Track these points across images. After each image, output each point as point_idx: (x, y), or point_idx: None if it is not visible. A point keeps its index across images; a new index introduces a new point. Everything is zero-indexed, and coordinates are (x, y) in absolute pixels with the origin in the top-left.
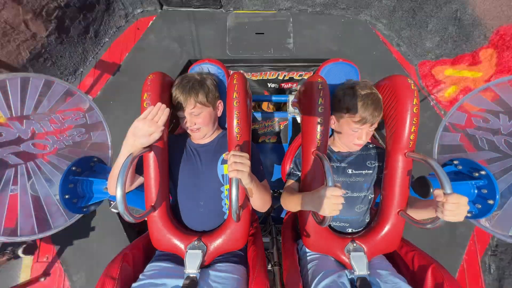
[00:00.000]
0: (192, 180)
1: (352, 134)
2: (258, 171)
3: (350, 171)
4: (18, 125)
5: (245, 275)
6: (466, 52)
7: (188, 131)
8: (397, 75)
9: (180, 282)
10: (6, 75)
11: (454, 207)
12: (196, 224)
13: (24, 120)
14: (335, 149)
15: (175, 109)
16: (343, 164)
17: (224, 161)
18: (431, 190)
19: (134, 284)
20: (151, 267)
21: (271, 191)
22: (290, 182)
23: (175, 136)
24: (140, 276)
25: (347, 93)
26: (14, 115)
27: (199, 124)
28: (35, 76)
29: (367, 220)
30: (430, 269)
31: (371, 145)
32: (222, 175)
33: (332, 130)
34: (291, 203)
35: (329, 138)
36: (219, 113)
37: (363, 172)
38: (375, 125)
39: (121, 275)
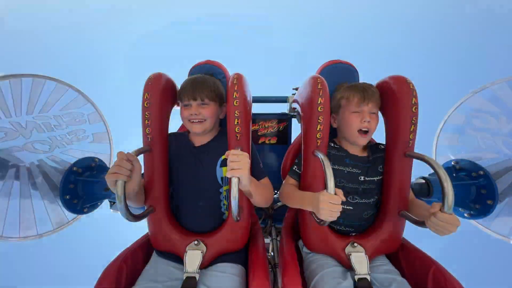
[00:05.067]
0: (191, 180)
1: (354, 120)
2: (258, 169)
3: (362, 178)
4: (19, 126)
5: (244, 275)
6: None
7: (188, 123)
8: (396, 75)
9: (180, 282)
10: (8, 76)
11: (444, 225)
12: (195, 225)
13: (26, 120)
14: (348, 151)
15: (182, 98)
16: (355, 170)
17: (223, 163)
18: (431, 192)
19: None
20: (151, 267)
21: (273, 192)
22: (291, 180)
23: (175, 135)
24: (141, 275)
25: (342, 86)
26: (16, 115)
27: (204, 115)
28: (37, 77)
29: (371, 223)
30: (431, 270)
31: (382, 146)
32: (221, 178)
33: (337, 132)
34: (291, 199)
35: (336, 139)
36: (222, 115)
37: (375, 179)
38: (375, 107)
39: (119, 276)
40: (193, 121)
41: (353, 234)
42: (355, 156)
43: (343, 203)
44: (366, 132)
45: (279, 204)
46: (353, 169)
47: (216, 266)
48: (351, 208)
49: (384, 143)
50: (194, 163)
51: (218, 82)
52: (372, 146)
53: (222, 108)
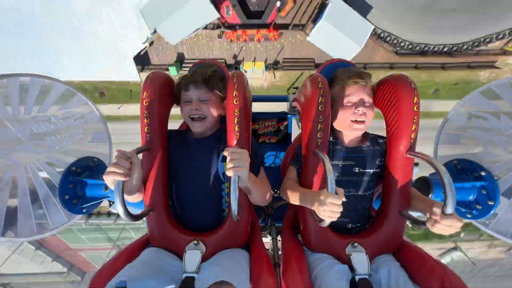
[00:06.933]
0: (191, 174)
1: (349, 108)
2: (255, 163)
3: (357, 169)
4: (17, 126)
5: (248, 261)
6: None
7: (189, 120)
8: (397, 74)
9: (178, 281)
10: (6, 75)
11: (446, 227)
12: (195, 222)
13: (24, 121)
14: (344, 144)
15: (182, 91)
16: (349, 162)
17: (225, 159)
18: (431, 191)
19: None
20: (150, 264)
21: (272, 192)
22: (293, 173)
23: (176, 132)
24: (138, 271)
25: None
26: (13, 116)
27: (204, 111)
28: (35, 77)
29: (367, 214)
30: (433, 269)
31: (381, 140)
32: (223, 173)
33: (333, 127)
34: (292, 196)
35: (336, 133)
36: (223, 112)
37: (371, 171)
38: (369, 93)
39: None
40: (194, 118)
41: (349, 225)
42: (350, 148)
43: None
44: (361, 121)
45: (279, 204)
46: (348, 161)
47: (217, 257)
48: (346, 200)
49: (384, 135)
50: (194, 158)
51: (221, 77)
52: (371, 138)
53: (223, 104)
